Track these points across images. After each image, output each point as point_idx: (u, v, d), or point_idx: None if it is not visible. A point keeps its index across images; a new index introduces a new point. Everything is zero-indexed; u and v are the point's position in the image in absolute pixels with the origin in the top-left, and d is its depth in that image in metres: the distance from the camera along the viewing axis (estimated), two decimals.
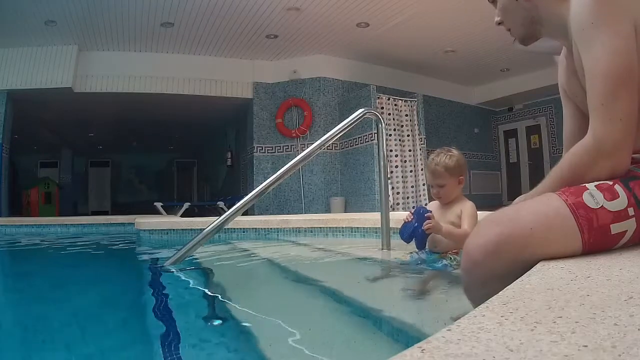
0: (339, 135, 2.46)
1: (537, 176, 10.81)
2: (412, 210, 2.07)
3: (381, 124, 2.61)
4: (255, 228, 3.64)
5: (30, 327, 1.32)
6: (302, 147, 7.82)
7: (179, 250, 2.22)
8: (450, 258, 1.87)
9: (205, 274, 2.18)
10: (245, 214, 3.81)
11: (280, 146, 8.43)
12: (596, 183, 0.84)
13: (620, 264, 0.79)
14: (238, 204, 2.24)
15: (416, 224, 1.94)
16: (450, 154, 2.03)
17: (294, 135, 8.20)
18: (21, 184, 12.52)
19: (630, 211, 0.81)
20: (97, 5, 6.01)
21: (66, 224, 5.12)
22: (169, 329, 1.25)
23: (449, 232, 1.90)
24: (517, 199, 1.13)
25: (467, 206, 2.00)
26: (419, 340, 0.45)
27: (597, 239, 0.81)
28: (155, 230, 3.89)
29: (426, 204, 7.21)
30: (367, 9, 6.47)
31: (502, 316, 0.51)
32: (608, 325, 0.46)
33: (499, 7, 1.15)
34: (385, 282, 1.73)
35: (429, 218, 1.89)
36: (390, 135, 7.12)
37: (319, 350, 1.04)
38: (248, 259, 2.71)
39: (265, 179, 2.49)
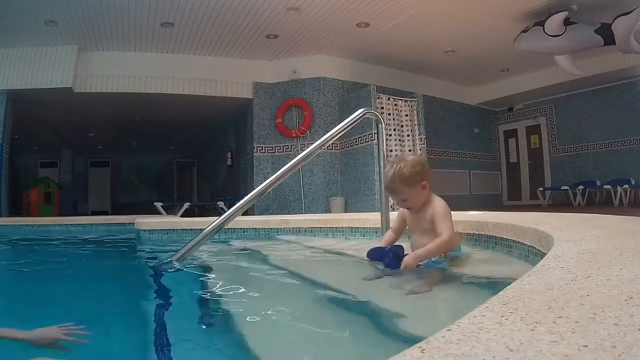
0: (339, 135, 2.45)
1: (537, 176, 10.82)
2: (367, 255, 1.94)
3: (381, 124, 2.60)
4: (255, 228, 3.64)
5: (28, 324, 1.32)
6: (302, 147, 7.82)
7: (179, 249, 2.22)
8: (443, 257, 1.86)
9: (205, 274, 2.18)
10: (245, 214, 3.81)
11: (280, 146, 8.43)
12: None
13: (620, 264, 0.79)
14: (238, 204, 2.24)
15: (388, 261, 1.81)
16: (402, 163, 1.84)
17: (294, 135, 8.20)
18: (21, 184, 12.53)
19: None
20: (97, 5, 6.01)
21: (66, 224, 5.12)
22: (168, 328, 1.25)
23: (431, 252, 1.76)
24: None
25: (436, 207, 1.84)
26: (419, 340, 0.45)
27: None
28: (155, 230, 3.89)
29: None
30: (367, 9, 6.47)
31: (502, 316, 0.51)
32: (608, 325, 0.46)
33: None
34: (384, 282, 1.73)
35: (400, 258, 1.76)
36: (390, 135, 7.12)
37: (318, 350, 1.04)
38: (248, 259, 2.71)
39: (265, 179, 2.49)
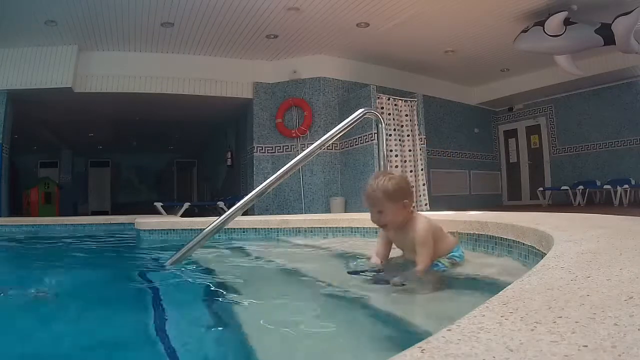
0: (339, 135, 2.46)
1: (537, 176, 10.82)
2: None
3: (381, 124, 2.61)
4: (255, 228, 3.64)
5: (28, 325, 1.32)
6: (302, 147, 7.82)
7: (179, 250, 2.22)
8: (441, 260, 1.85)
9: (205, 274, 2.18)
10: (245, 214, 3.81)
11: (280, 146, 8.43)
12: None
13: (620, 264, 0.79)
14: (238, 204, 2.23)
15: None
16: (389, 177, 1.81)
17: (294, 135, 8.21)
18: (21, 184, 12.53)
19: None
20: (97, 5, 6.01)
21: (66, 224, 5.12)
22: (167, 329, 1.25)
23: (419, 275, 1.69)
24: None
25: (417, 232, 1.75)
26: (419, 340, 0.45)
27: None
28: (155, 230, 3.89)
29: (426, 204, 7.20)
30: (367, 9, 6.47)
31: (502, 316, 0.51)
32: (608, 325, 0.46)
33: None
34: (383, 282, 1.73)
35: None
36: (390, 135, 7.12)
37: (318, 350, 1.04)
38: (247, 259, 2.71)
39: (265, 179, 2.49)
